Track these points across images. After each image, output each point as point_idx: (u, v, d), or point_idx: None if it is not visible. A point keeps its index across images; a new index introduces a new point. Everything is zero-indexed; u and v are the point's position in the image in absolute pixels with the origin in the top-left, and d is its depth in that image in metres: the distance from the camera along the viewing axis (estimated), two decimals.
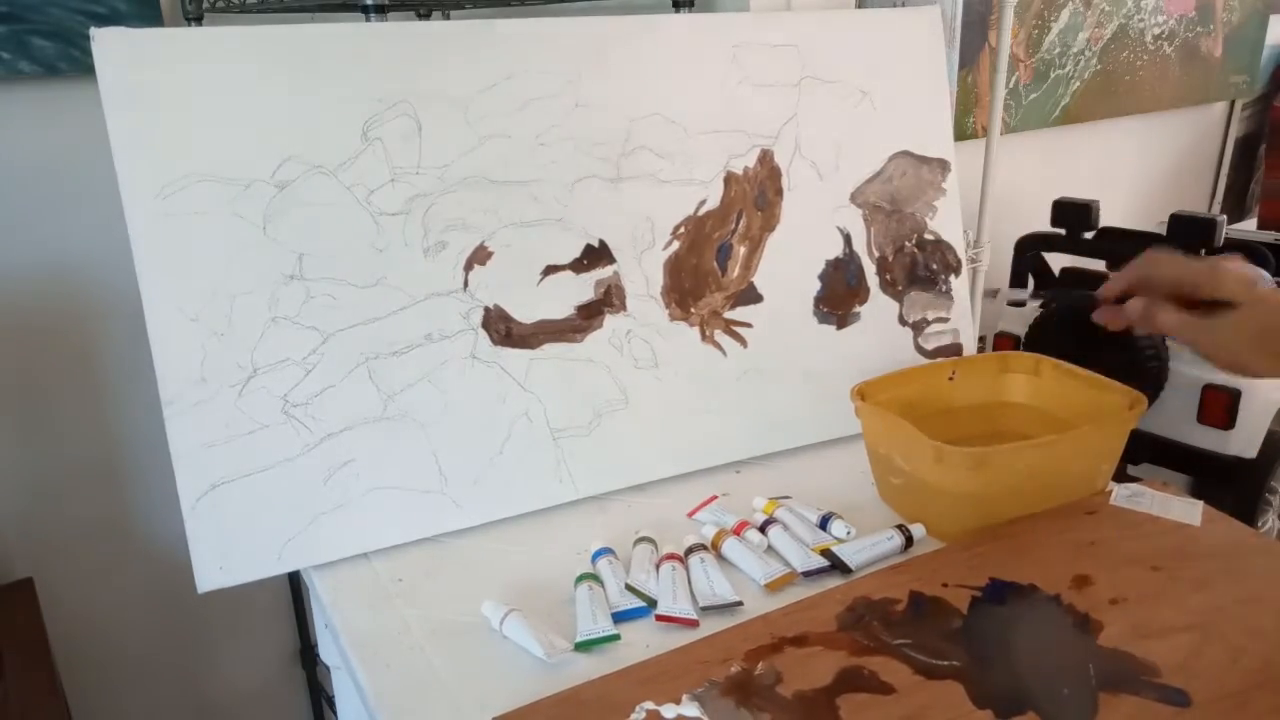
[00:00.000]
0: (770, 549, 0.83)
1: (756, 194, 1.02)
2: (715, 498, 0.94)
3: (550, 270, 0.93)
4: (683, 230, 0.99)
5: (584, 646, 0.71)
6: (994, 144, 1.60)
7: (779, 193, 1.04)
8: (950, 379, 1.01)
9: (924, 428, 0.83)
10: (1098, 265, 1.89)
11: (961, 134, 1.83)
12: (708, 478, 0.98)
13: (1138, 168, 2.48)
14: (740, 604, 0.76)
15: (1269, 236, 2.06)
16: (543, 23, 0.94)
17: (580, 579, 0.78)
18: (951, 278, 1.13)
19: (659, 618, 0.74)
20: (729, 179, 1.01)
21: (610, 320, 0.96)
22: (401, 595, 0.80)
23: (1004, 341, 1.92)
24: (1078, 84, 2.15)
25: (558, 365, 0.93)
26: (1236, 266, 0.73)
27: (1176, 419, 1.69)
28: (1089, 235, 1.86)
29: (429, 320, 0.88)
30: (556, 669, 0.69)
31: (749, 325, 1.02)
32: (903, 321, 1.11)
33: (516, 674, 0.69)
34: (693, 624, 0.74)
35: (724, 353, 1.01)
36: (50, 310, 1.25)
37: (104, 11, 1.16)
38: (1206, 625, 0.69)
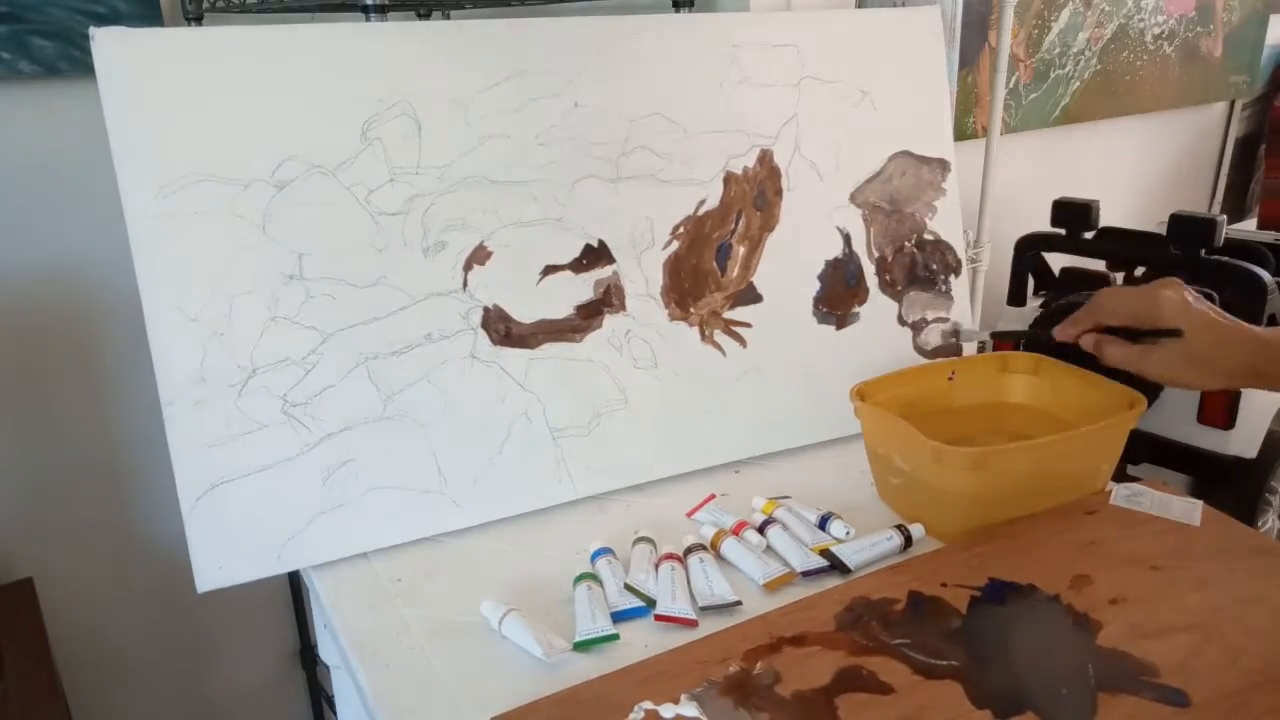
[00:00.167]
0: (769, 549, 0.83)
1: (756, 194, 1.02)
2: (714, 497, 0.94)
3: (550, 270, 0.93)
4: (682, 230, 0.99)
5: (583, 646, 0.71)
6: (994, 144, 1.60)
7: (778, 193, 1.04)
8: (950, 379, 1.01)
9: (924, 428, 0.83)
10: (1098, 265, 1.89)
11: (961, 134, 1.83)
12: (707, 478, 0.98)
13: (1138, 168, 2.48)
14: (739, 604, 0.76)
15: (1269, 236, 2.06)
16: (543, 23, 0.94)
17: (579, 579, 0.78)
18: (951, 278, 1.13)
19: (658, 617, 0.74)
20: (728, 179, 1.01)
21: (610, 320, 0.96)
22: (401, 595, 0.80)
23: (1004, 342, 1.92)
24: (1078, 84, 2.15)
25: (557, 365, 0.93)
26: (1172, 293, 0.80)
27: (1176, 419, 1.69)
28: (1089, 235, 1.86)
29: (428, 320, 0.88)
30: (555, 669, 0.69)
31: (748, 325, 1.02)
32: (902, 321, 1.11)
33: (515, 674, 0.70)
34: (691, 624, 0.74)
35: (723, 353, 1.01)
36: (50, 310, 1.25)
37: (104, 11, 1.16)
38: (1206, 625, 0.69)
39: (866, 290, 1.08)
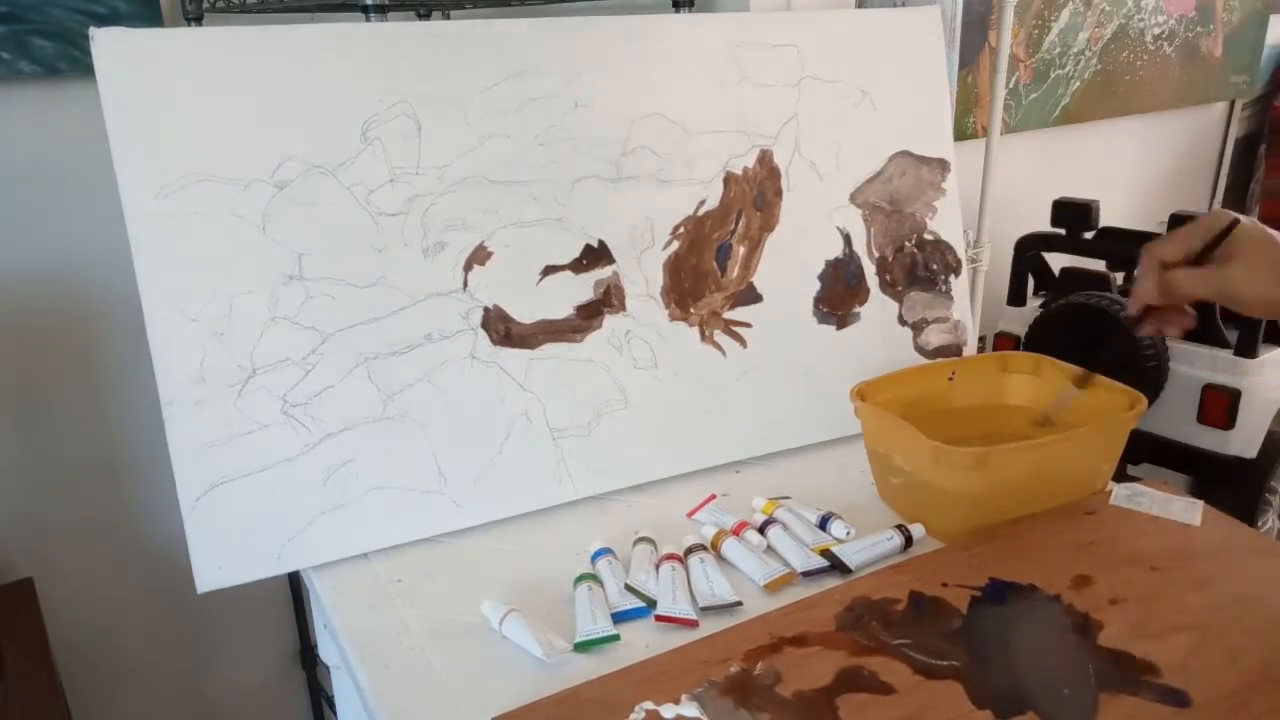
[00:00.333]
0: (770, 549, 0.83)
1: (756, 194, 1.02)
2: (714, 497, 0.94)
3: (550, 270, 0.93)
4: (682, 230, 0.99)
5: (583, 647, 0.71)
6: (994, 144, 1.60)
7: (778, 193, 1.03)
8: (950, 379, 1.01)
9: (924, 428, 0.83)
10: (1098, 265, 1.89)
11: (961, 134, 1.83)
12: (707, 478, 0.98)
13: (1138, 168, 2.48)
14: (740, 604, 0.76)
15: None
16: (542, 23, 0.94)
17: (580, 579, 0.78)
18: (951, 278, 1.13)
19: (658, 618, 0.74)
20: (728, 179, 1.01)
21: (610, 320, 0.96)
22: (401, 595, 0.80)
23: (1004, 341, 1.92)
24: (1078, 84, 2.15)
25: (557, 365, 0.93)
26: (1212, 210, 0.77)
27: (1176, 419, 1.69)
28: (1089, 235, 1.86)
29: (428, 320, 0.88)
30: (556, 669, 0.69)
31: (748, 325, 1.02)
32: (903, 321, 1.11)
33: (516, 674, 0.69)
34: (692, 624, 0.74)
35: (723, 353, 1.01)
36: (50, 310, 1.25)
37: (104, 11, 1.16)
38: (1206, 625, 0.69)
39: (867, 290, 1.08)
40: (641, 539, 0.84)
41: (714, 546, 0.84)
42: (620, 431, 0.95)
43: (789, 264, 1.04)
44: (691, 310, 0.99)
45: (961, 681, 0.64)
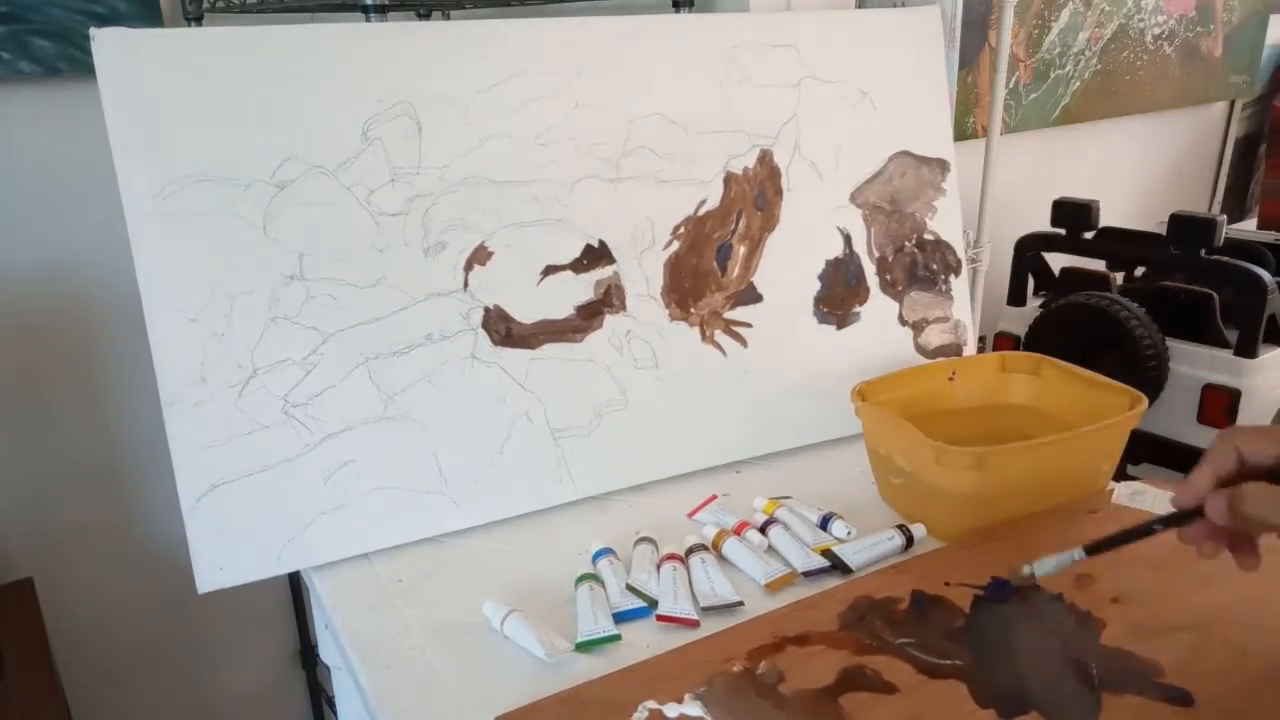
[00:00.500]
0: (771, 549, 0.83)
1: (756, 194, 1.02)
2: (715, 498, 0.94)
3: (550, 270, 0.93)
4: (682, 230, 0.99)
5: (585, 647, 0.71)
6: (994, 144, 1.60)
7: (779, 193, 1.03)
8: (950, 379, 1.01)
9: (924, 428, 0.83)
10: (1098, 265, 1.89)
11: (961, 134, 1.83)
12: (708, 478, 0.98)
13: (1138, 168, 2.48)
14: (741, 604, 0.76)
15: (1269, 236, 2.06)
16: (543, 23, 0.94)
17: (581, 579, 0.78)
18: (951, 278, 1.13)
19: (660, 618, 0.74)
20: (729, 179, 1.01)
21: (610, 320, 0.96)
22: (402, 595, 0.80)
23: (1004, 341, 1.92)
24: (1078, 84, 2.15)
25: (558, 365, 0.93)
26: None
27: (1176, 419, 1.69)
28: (1089, 235, 1.86)
29: (429, 320, 0.88)
30: (557, 669, 0.69)
31: (749, 325, 1.02)
32: (903, 321, 1.10)
33: (517, 674, 0.69)
34: (693, 624, 0.74)
35: (724, 353, 1.01)
36: (50, 310, 1.25)
37: (104, 11, 1.16)
38: (1209, 624, 0.69)
39: (867, 290, 1.08)
40: (642, 539, 0.84)
41: (715, 546, 0.83)
42: (621, 431, 0.95)
43: (789, 264, 1.04)
44: (692, 310, 0.99)
45: (964, 681, 0.64)
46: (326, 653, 0.97)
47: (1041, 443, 0.85)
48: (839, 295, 1.07)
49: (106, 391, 1.32)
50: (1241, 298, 1.63)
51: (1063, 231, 1.87)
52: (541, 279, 0.93)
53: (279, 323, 0.83)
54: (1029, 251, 1.92)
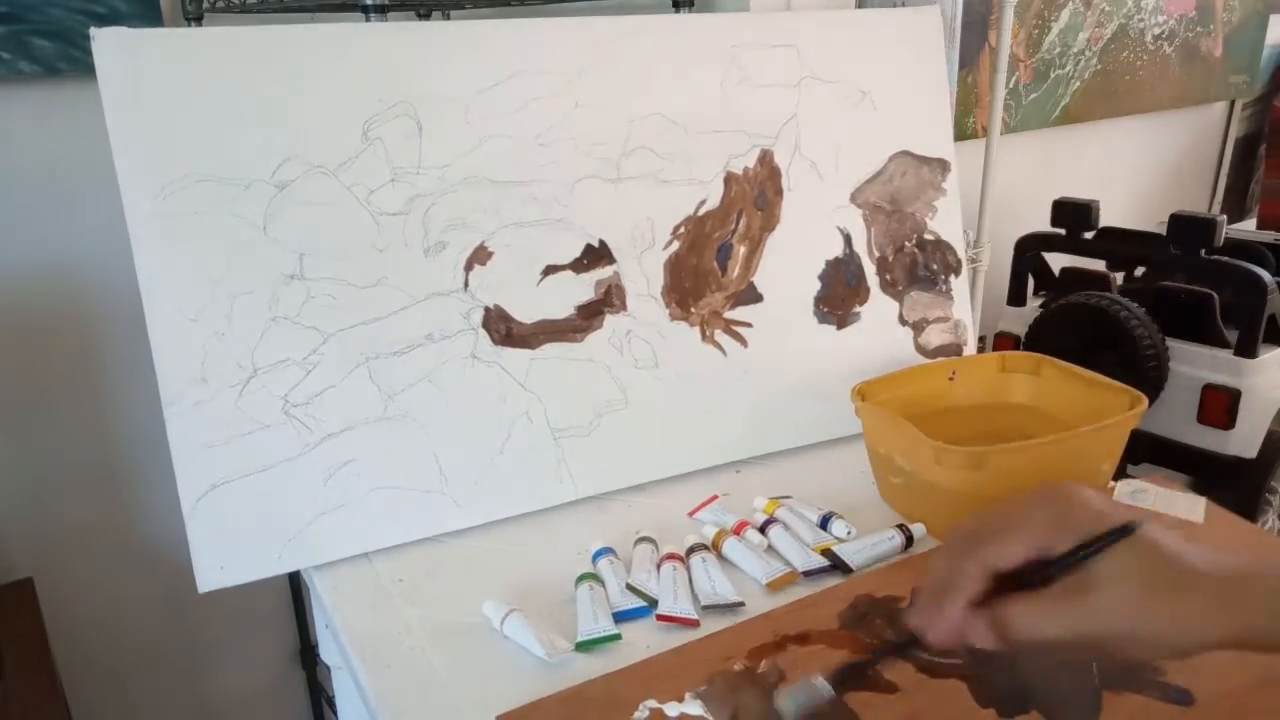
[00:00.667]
0: (770, 549, 0.83)
1: (756, 194, 1.02)
2: (715, 497, 0.94)
3: (550, 270, 0.93)
4: (683, 230, 0.99)
5: (585, 646, 0.71)
6: (994, 144, 1.60)
7: (779, 193, 1.03)
8: (950, 379, 1.01)
9: (924, 428, 0.83)
10: (1098, 265, 1.90)
11: (961, 134, 1.83)
12: (708, 478, 0.98)
13: (1138, 168, 2.49)
14: (742, 604, 0.76)
15: (1269, 236, 2.06)
16: (543, 23, 0.94)
17: (581, 579, 0.78)
18: (951, 278, 1.13)
19: (660, 618, 0.74)
20: (729, 179, 1.01)
21: (610, 320, 0.96)
22: (402, 595, 0.80)
23: (1004, 341, 1.92)
24: (1078, 84, 2.16)
25: (558, 365, 0.93)
26: (1086, 488, 0.51)
27: (1176, 419, 1.69)
28: (1089, 235, 1.86)
29: (429, 320, 0.88)
30: (557, 669, 0.69)
31: (749, 325, 1.02)
32: (903, 321, 1.10)
33: (517, 674, 0.69)
34: (694, 624, 0.74)
35: (724, 353, 1.01)
36: (50, 310, 1.25)
37: (104, 11, 1.16)
38: None
39: (867, 290, 1.08)
40: (642, 539, 0.84)
41: (715, 546, 0.83)
42: (621, 431, 0.95)
43: (789, 264, 1.04)
44: (692, 310, 0.99)
45: (965, 680, 0.64)
46: (326, 653, 0.97)
47: (1041, 443, 0.85)
48: (839, 295, 1.07)
49: (106, 391, 1.32)
50: (1241, 298, 1.63)
51: (1063, 231, 1.87)
52: (542, 279, 0.93)
53: (279, 322, 0.83)
54: (1029, 251, 1.93)
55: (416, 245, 0.88)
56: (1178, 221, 1.72)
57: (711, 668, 0.67)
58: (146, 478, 1.36)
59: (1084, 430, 0.85)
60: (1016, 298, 1.95)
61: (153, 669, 1.45)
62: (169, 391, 0.80)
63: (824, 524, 0.86)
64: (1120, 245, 1.88)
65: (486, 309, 0.90)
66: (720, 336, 1.01)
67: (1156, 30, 2.29)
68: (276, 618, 1.55)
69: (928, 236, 1.12)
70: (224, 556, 0.81)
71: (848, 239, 1.07)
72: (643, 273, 0.97)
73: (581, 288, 0.95)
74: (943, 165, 1.12)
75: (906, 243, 1.10)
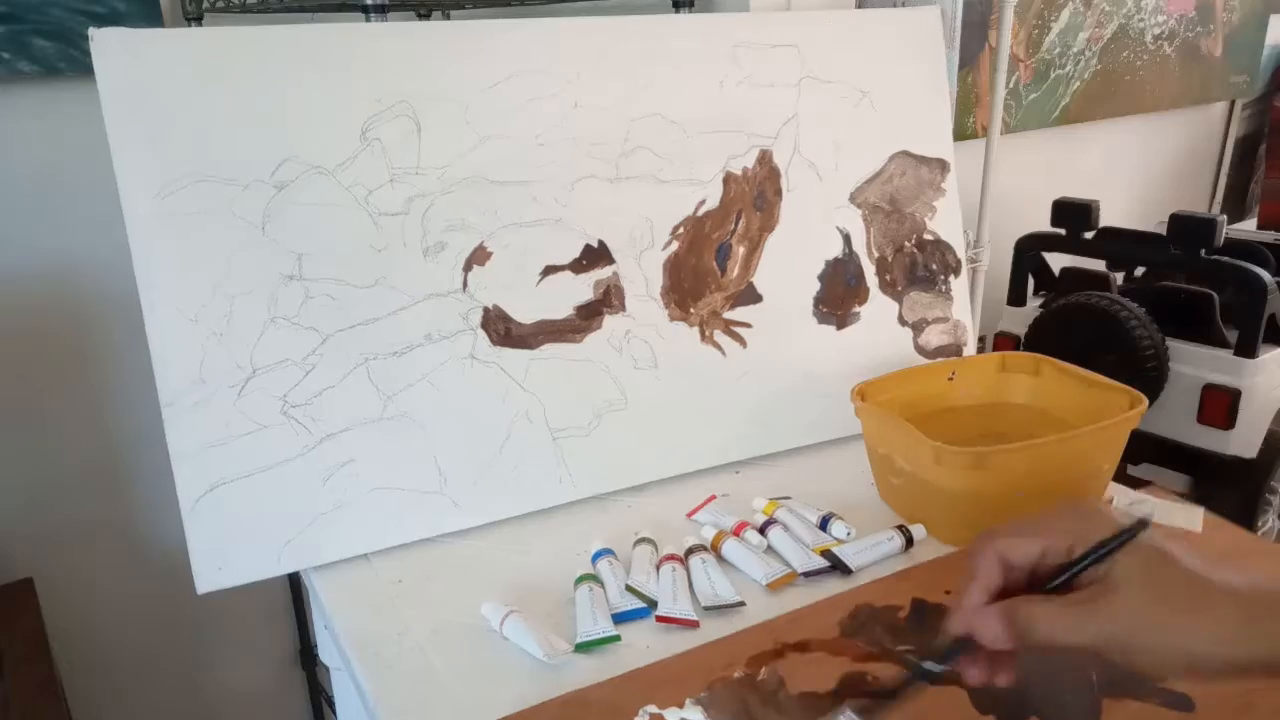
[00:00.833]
0: (770, 549, 0.83)
1: (756, 194, 1.02)
2: (715, 498, 0.94)
3: (549, 270, 0.93)
4: (682, 230, 0.99)
5: (584, 647, 0.71)
6: (994, 144, 1.60)
7: (778, 193, 1.03)
8: (950, 379, 1.01)
9: (924, 428, 0.83)
10: (1098, 265, 1.89)
11: (961, 134, 1.83)
12: (708, 478, 0.98)
13: (1138, 168, 2.48)
14: (742, 604, 0.76)
15: (1269, 236, 2.06)
16: (542, 23, 0.94)
17: (580, 580, 0.78)
18: (951, 278, 1.13)
19: (659, 619, 0.74)
20: (728, 179, 1.01)
21: (609, 320, 0.96)
22: (401, 596, 0.80)
23: (1004, 341, 1.92)
24: (1078, 84, 2.15)
25: (557, 365, 0.93)
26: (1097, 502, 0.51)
27: (1176, 419, 1.69)
28: (1089, 235, 1.86)
29: (428, 320, 0.88)
30: (557, 670, 0.69)
31: (748, 325, 1.02)
32: (903, 321, 1.10)
33: (517, 675, 0.69)
34: (693, 625, 0.74)
35: (723, 353, 1.01)
36: (50, 310, 1.25)
37: (104, 11, 1.16)
38: None
39: (867, 290, 1.08)
40: (642, 539, 0.84)
41: (714, 547, 0.83)
42: (620, 432, 0.95)
43: (789, 264, 1.04)
44: (691, 310, 0.99)
45: (965, 687, 0.64)
46: (326, 653, 0.97)
47: (1041, 443, 0.84)
48: (839, 295, 1.07)
49: (106, 391, 1.31)
50: (1241, 298, 1.63)
51: (1063, 231, 1.87)
52: (541, 279, 0.93)
53: (278, 323, 0.83)
54: (1029, 251, 1.92)
55: (415, 245, 0.88)
56: (1178, 221, 1.72)
57: (712, 674, 0.66)
58: (146, 478, 1.36)
59: (1084, 430, 0.85)
60: (1016, 298, 1.94)
61: (153, 669, 1.45)
62: (168, 392, 0.80)
63: (823, 525, 0.86)
64: (1120, 245, 1.88)
65: (485, 309, 0.90)
66: (719, 337, 1.01)
67: (1156, 30, 2.29)
68: (276, 618, 1.55)
69: (927, 236, 1.12)
70: (223, 557, 0.81)
71: (847, 239, 1.07)
72: (642, 273, 0.97)
73: (581, 288, 0.95)
74: (942, 165, 1.12)
75: (906, 243, 1.10)
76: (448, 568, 0.84)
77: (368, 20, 1.09)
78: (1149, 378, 1.65)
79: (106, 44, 0.78)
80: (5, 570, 1.26)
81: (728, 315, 1.01)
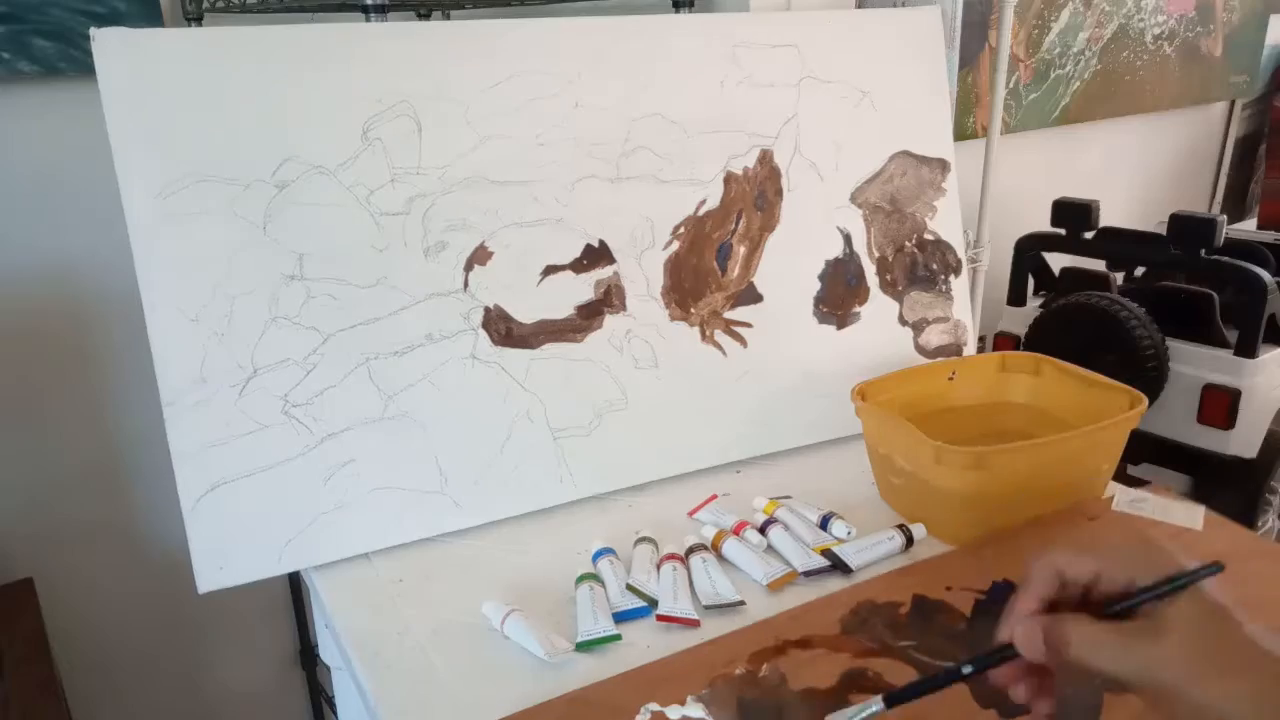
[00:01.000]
0: (770, 549, 0.83)
1: (756, 194, 1.02)
2: (715, 497, 0.94)
3: (550, 270, 0.93)
4: (682, 230, 0.99)
5: (585, 646, 0.71)
6: (994, 144, 1.60)
7: (779, 193, 1.03)
8: (950, 379, 1.01)
9: (924, 428, 0.83)
10: (1098, 265, 1.89)
11: (961, 134, 1.83)
12: (708, 478, 0.98)
13: (1138, 168, 2.48)
14: (743, 604, 0.76)
15: (1269, 236, 2.06)
16: (543, 23, 0.94)
17: (581, 579, 0.78)
18: (951, 278, 1.13)
19: (660, 618, 0.74)
20: (729, 179, 1.01)
21: (610, 320, 0.96)
22: (402, 595, 0.80)
23: (1004, 341, 1.92)
24: (1078, 84, 2.15)
25: (558, 365, 0.93)
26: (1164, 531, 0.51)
27: (1176, 419, 1.69)
28: (1089, 235, 1.86)
29: (429, 320, 0.88)
30: (557, 669, 0.69)
31: (749, 325, 1.02)
32: (903, 321, 1.10)
33: (518, 674, 0.69)
34: (694, 624, 0.74)
35: (724, 353, 1.01)
36: (50, 310, 1.25)
37: (104, 11, 1.16)
38: None
39: (867, 290, 1.08)
40: (643, 539, 0.84)
41: (715, 546, 0.83)
42: (621, 431, 0.95)
43: (789, 264, 1.04)
44: (692, 310, 0.99)
45: (966, 682, 0.64)
46: (326, 653, 0.97)
47: (1041, 443, 0.85)
48: (839, 295, 1.07)
49: (106, 391, 1.31)
50: (1241, 298, 1.63)
51: (1063, 231, 1.87)
52: (541, 279, 0.93)
53: (279, 323, 0.83)
54: (1029, 251, 1.92)
55: (416, 245, 0.88)
56: (1178, 221, 1.72)
57: (713, 672, 0.66)
58: (146, 478, 1.36)
59: (1084, 430, 0.85)
60: (1016, 298, 1.94)
61: (153, 669, 1.45)
62: (169, 391, 0.80)
63: (824, 524, 0.86)
64: (1120, 245, 1.88)
65: (486, 309, 0.90)
66: (720, 336, 1.01)
67: (1156, 30, 2.29)
68: (276, 618, 1.55)
69: (927, 236, 1.12)
70: (223, 557, 0.81)
71: (847, 239, 1.07)
72: (642, 273, 0.97)
73: (581, 288, 0.95)
74: (942, 165, 1.12)
75: (906, 243, 1.10)
76: (448, 567, 0.84)
77: (368, 20, 1.09)
78: (1149, 378, 1.65)
79: (107, 44, 0.78)
80: (5, 570, 1.26)
81: (728, 315, 1.01)
